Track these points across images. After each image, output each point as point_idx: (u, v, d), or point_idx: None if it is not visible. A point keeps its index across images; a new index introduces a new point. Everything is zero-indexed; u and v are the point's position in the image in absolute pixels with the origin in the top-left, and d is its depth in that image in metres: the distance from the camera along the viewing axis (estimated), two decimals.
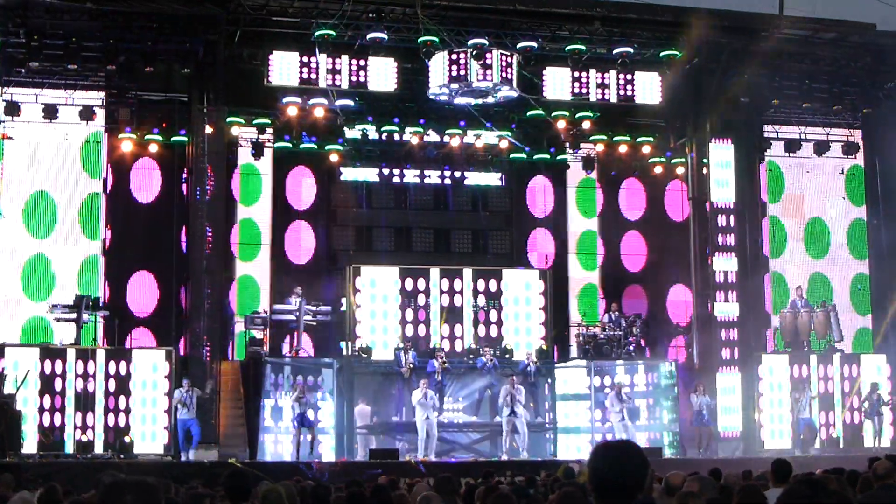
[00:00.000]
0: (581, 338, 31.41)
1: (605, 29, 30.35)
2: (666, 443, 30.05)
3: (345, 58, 29.09)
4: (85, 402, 27.26)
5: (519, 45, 29.47)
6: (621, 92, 30.73)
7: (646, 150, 34.40)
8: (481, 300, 30.88)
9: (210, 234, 29.16)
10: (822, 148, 34.29)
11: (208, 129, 29.44)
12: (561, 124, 31.99)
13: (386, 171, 33.87)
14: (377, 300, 30.24)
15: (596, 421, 30.39)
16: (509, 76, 29.04)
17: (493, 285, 31.00)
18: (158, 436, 27.66)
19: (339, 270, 31.98)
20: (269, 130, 31.97)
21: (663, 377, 30.82)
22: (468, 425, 30.10)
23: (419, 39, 28.63)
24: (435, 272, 30.88)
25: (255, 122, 31.32)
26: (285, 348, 29.73)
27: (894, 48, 32.25)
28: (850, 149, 34.49)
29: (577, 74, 30.40)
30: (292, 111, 30.34)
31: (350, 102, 30.33)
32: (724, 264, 31.64)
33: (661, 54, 30.92)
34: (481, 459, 27.78)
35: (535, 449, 28.92)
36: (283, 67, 28.97)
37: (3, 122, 29.35)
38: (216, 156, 29.69)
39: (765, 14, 31.93)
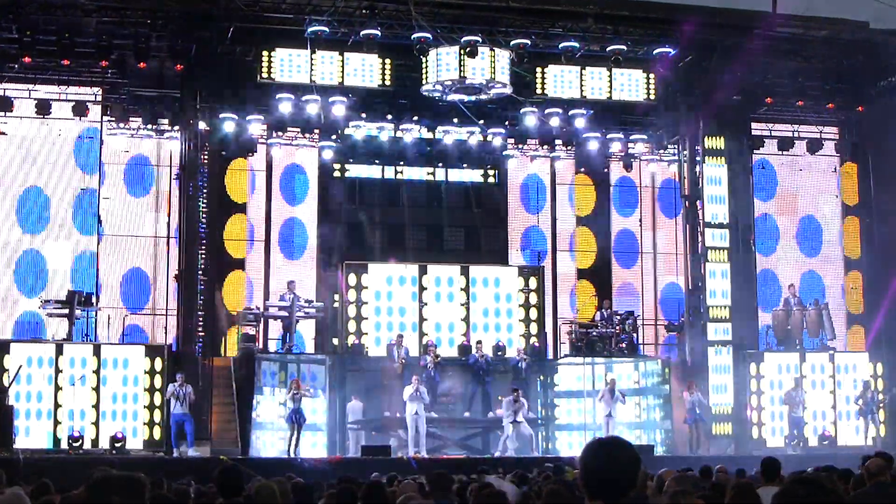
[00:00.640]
0: (573, 335, 31.42)
1: (598, 26, 30.32)
2: (658, 441, 30.10)
3: (338, 54, 29.07)
4: (77, 397, 27.23)
5: (512, 43, 29.45)
6: (614, 89, 30.73)
7: (638, 147, 34.46)
8: (474, 297, 30.90)
9: (203, 230, 29.14)
10: (814, 146, 34.32)
11: (202, 126, 29.46)
12: (554, 122, 31.98)
13: (379, 168, 33.88)
14: (370, 297, 30.24)
15: (589, 418, 30.46)
16: (502, 73, 29.06)
17: (485, 282, 31.02)
18: (151, 432, 27.64)
19: (332, 267, 31.97)
20: (263, 127, 31.96)
21: (655, 375, 30.86)
22: (459, 421, 30.11)
23: (412, 36, 28.60)
24: (428, 269, 30.88)
25: (248, 118, 31.29)
26: (278, 344, 29.71)
27: (887, 46, 32.25)
28: (842, 147, 34.52)
29: (570, 71, 30.40)
30: (285, 108, 30.30)
31: (343, 99, 30.30)
32: (717, 262, 31.67)
33: (654, 52, 30.92)
34: (474, 456, 27.77)
35: (528, 446, 28.94)
36: (277, 64, 28.93)
37: None
38: (209, 152, 29.70)
39: (758, 11, 31.93)
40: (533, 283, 31.41)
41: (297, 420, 26.95)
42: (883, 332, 33.04)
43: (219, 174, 30.61)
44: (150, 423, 27.67)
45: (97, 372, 27.50)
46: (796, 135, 34.41)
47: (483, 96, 29.73)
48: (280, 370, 29.03)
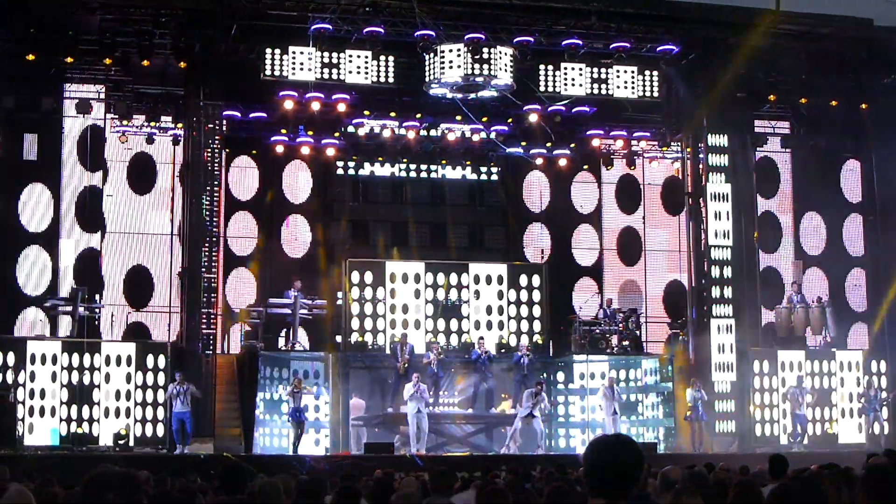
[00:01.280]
0: (577, 332, 31.42)
1: (602, 24, 30.31)
2: (661, 438, 30.10)
3: (341, 52, 29.05)
4: (80, 394, 27.28)
5: (515, 40, 29.44)
6: (617, 86, 30.72)
7: (642, 144, 34.46)
8: (477, 294, 30.90)
9: (206, 227, 29.16)
10: (817, 143, 34.29)
11: (205, 123, 29.44)
12: (557, 119, 31.98)
13: (382, 166, 33.89)
14: (373, 294, 30.24)
15: (592, 415, 30.50)
16: (506, 71, 29.07)
17: (488, 279, 31.01)
18: (154, 429, 27.67)
19: (336, 265, 31.97)
20: (266, 124, 31.94)
21: (658, 372, 30.85)
22: (463, 418, 30.12)
23: (416, 34, 28.60)
24: (431, 266, 30.89)
25: (251, 115, 31.28)
26: (281, 342, 29.72)
27: (891, 43, 32.24)
28: (846, 144, 34.47)
29: (573, 69, 30.40)
30: (288, 105, 30.30)
31: (346, 96, 30.31)
32: (720, 259, 31.65)
33: (658, 49, 30.89)
34: (476, 453, 27.78)
35: (531, 443, 28.95)
36: (280, 61, 28.91)
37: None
38: (213, 149, 29.70)
39: (761, 9, 31.89)
40: (536, 280, 31.40)
41: (298, 418, 26.97)
42: (886, 329, 33.03)
43: (222, 171, 30.60)
44: (154, 421, 27.69)
45: (100, 369, 27.51)
46: (799, 132, 34.38)
47: (486, 94, 29.72)
48: (283, 368, 29.05)
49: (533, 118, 31.79)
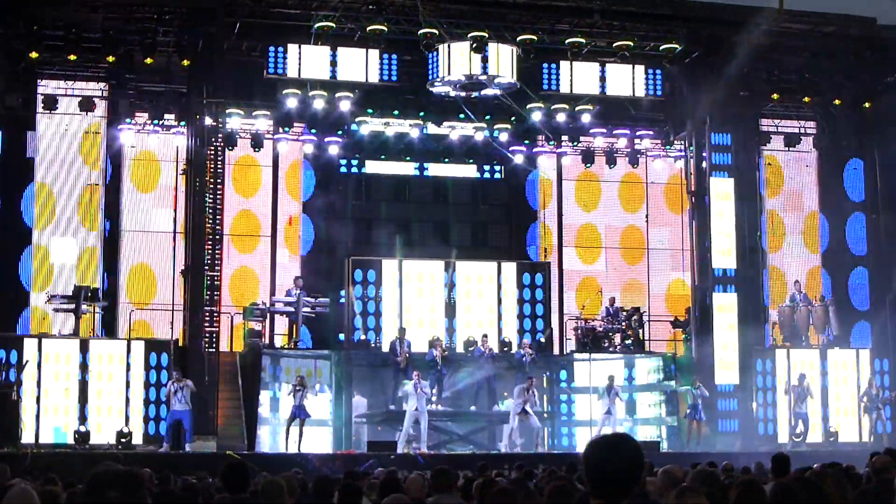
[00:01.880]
0: (579, 331, 31.43)
1: (605, 22, 30.32)
2: (663, 436, 30.10)
3: (344, 50, 29.08)
4: (83, 392, 27.30)
5: (518, 38, 29.45)
6: (620, 85, 30.74)
7: (645, 143, 34.45)
8: (479, 293, 30.89)
9: (209, 225, 29.17)
10: (821, 142, 34.27)
11: (208, 121, 29.46)
12: (560, 117, 32.00)
13: (385, 164, 33.91)
14: (376, 293, 30.23)
15: (594, 414, 30.52)
16: (509, 69, 29.08)
17: (491, 278, 31.00)
18: (156, 427, 27.68)
19: (338, 263, 31.98)
20: (269, 122, 31.97)
21: (661, 371, 30.85)
22: (465, 415, 30.11)
23: (419, 32, 28.61)
24: (434, 265, 30.88)
25: (254, 113, 31.30)
26: (284, 340, 29.74)
27: (894, 42, 32.22)
28: (849, 143, 34.44)
29: (576, 67, 30.40)
30: (292, 103, 30.30)
31: (349, 94, 30.32)
32: (723, 258, 31.63)
33: (661, 47, 30.89)
34: (479, 452, 27.76)
35: (530, 441, 28.98)
36: (283, 59, 28.93)
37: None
38: (215, 147, 29.72)
39: (764, 7, 31.87)
40: (539, 278, 31.40)
41: (299, 416, 26.98)
42: (888, 328, 33.01)
43: (225, 170, 30.60)
44: (157, 419, 27.71)
45: (103, 367, 27.53)
46: (803, 131, 34.38)
47: (489, 92, 29.74)
48: (286, 366, 29.06)
49: (536, 116, 31.78)
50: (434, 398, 28.49)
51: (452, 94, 29.83)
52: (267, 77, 29.29)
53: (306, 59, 28.93)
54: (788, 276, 33.93)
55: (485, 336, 29.82)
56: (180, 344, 28.68)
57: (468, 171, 34.63)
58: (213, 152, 29.65)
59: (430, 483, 11.00)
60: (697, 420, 29.12)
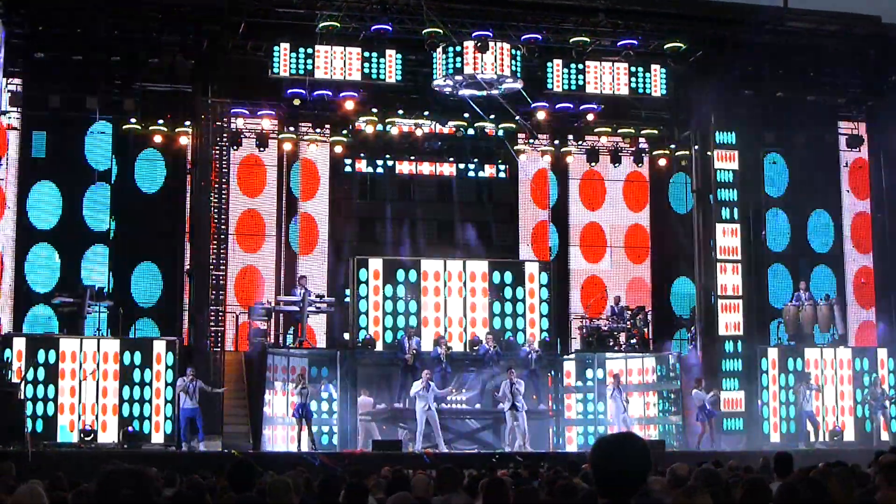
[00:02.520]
0: (584, 330, 31.43)
1: (609, 21, 30.31)
2: (669, 435, 30.10)
3: (349, 49, 29.10)
4: (88, 392, 27.32)
5: (523, 38, 29.47)
6: (625, 84, 30.74)
7: (650, 142, 34.43)
8: (485, 292, 30.89)
9: (214, 224, 29.19)
10: (825, 140, 34.24)
11: (212, 121, 29.47)
12: (565, 116, 31.99)
13: (390, 163, 33.97)
14: (381, 292, 30.24)
15: (600, 413, 30.54)
16: (513, 68, 29.11)
17: (496, 277, 30.98)
18: (162, 426, 27.71)
19: (343, 262, 32.01)
20: (274, 122, 31.99)
21: (666, 370, 30.84)
22: (471, 413, 30.13)
23: (423, 31, 28.64)
24: (439, 264, 30.88)
25: (259, 113, 31.31)
26: (289, 339, 29.76)
27: None
28: (854, 141, 34.41)
29: (580, 67, 30.42)
30: (297, 103, 30.31)
31: (354, 94, 30.33)
32: (728, 257, 31.60)
33: (666, 46, 30.88)
34: (484, 451, 27.75)
35: (538, 440, 28.97)
36: (288, 59, 28.95)
37: (7, 112, 29.34)
38: (220, 147, 29.75)
39: (769, 6, 31.90)
40: (544, 277, 31.39)
41: (303, 415, 26.99)
42: (894, 326, 32.97)
43: (230, 169, 30.62)
44: (163, 418, 27.73)
45: (109, 366, 27.56)
46: (807, 129, 34.31)
47: (494, 91, 29.75)
48: (291, 365, 29.08)
49: (541, 115, 31.79)
50: (446, 396, 28.53)
51: (457, 93, 29.84)
52: (272, 76, 29.30)
53: (311, 59, 28.94)
54: (793, 275, 33.85)
55: (489, 335, 29.82)
56: (185, 343, 28.71)
57: (473, 170, 34.62)
58: (218, 151, 29.68)
59: (435, 482, 11.01)
60: (707, 419, 28.97)
